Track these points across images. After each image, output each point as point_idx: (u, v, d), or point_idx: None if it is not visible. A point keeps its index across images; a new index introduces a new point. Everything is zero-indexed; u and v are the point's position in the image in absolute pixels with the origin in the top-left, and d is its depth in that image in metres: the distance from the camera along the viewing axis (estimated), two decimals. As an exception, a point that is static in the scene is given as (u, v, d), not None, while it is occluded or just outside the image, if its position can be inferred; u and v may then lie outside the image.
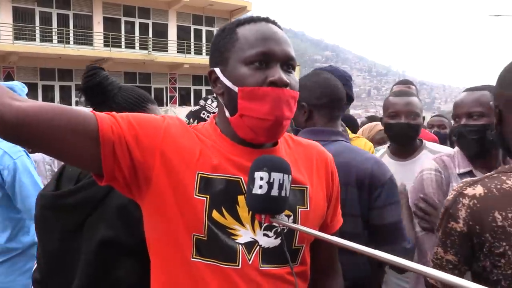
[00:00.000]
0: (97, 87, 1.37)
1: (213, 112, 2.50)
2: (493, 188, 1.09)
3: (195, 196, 0.92)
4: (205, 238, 0.92)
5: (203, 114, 2.45)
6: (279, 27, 0.99)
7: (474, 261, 1.14)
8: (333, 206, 1.10)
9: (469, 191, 1.12)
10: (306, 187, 1.02)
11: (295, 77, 0.98)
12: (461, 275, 1.16)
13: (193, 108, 2.59)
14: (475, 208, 1.09)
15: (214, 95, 1.08)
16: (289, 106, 0.94)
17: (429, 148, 2.11)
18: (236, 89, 0.93)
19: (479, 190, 1.10)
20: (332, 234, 1.09)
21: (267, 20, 0.99)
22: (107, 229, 1.20)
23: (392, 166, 2.06)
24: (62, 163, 1.48)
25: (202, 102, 2.53)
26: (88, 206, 1.26)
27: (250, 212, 0.94)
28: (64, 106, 0.89)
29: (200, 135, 0.99)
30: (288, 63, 0.96)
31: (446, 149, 2.06)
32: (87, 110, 0.91)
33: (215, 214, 0.92)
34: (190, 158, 0.94)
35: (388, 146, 2.23)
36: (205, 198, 0.92)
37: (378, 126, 2.63)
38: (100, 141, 0.87)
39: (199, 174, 0.93)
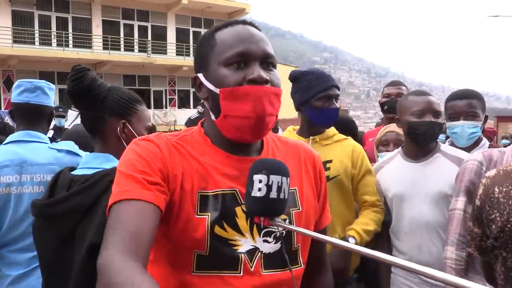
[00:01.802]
0: (86, 91, 1.33)
1: None
2: (500, 170, 1.37)
3: (196, 216, 0.93)
4: (207, 254, 0.92)
5: None
6: (256, 28, 1.01)
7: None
8: (321, 203, 1.13)
9: (488, 173, 1.41)
10: (295, 189, 1.04)
11: (276, 73, 0.98)
12: (486, 249, 1.39)
13: (192, 115, 2.57)
14: (486, 185, 1.36)
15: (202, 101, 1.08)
16: (271, 102, 0.95)
17: (444, 151, 2.05)
18: (217, 91, 0.94)
19: (492, 172, 1.39)
20: (321, 231, 1.12)
21: (244, 22, 1.01)
22: (94, 235, 1.18)
23: (405, 167, 2.06)
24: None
25: (200, 109, 2.51)
26: (77, 214, 1.24)
27: (248, 221, 0.95)
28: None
29: (191, 150, 0.99)
30: (267, 61, 0.97)
31: (462, 153, 2.00)
32: (141, 206, 0.85)
33: (217, 229, 0.93)
34: (191, 177, 0.95)
35: (402, 147, 2.16)
36: (206, 216, 0.93)
37: (389, 127, 2.59)
38: (162, 211, 0.89)
39: (199, 193, 0.94)
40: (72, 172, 1.37)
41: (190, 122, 2.48)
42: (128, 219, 0.82)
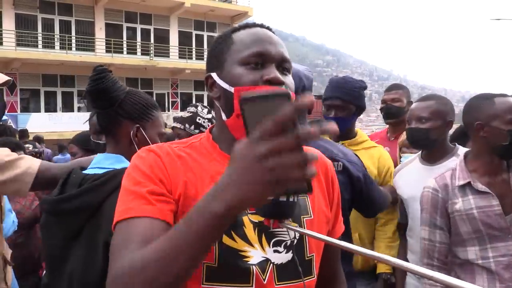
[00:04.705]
0: (104, 92, 1.35)
1: (207, 118, 2.53)
2: None
3: None
4: (216, 265, 0.90)
5: (199, 119, 2.53)
6: (273, 32, 1.01)
7: None
8: (334, 212, 1.10)
9: None
10: (307, 196, 1.02)
11: (291, 78, 0.98)
12: None
13: (184, 114, 2.60)
14: None
15: (204, 103, 1.06)
16: None
17: (460, 154, 2.01)
18: (232, 89, 0.93)
19: None
20: None
21: (261, 25, 1.01)
22: (110, 233, 1.19)
23: (420, 170, 2.12)
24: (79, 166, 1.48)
25: (193, 109, 2.58)
26: (87, 211, 1.25)
27: (256, 231, 0.93)
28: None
29: (199, 157, 0.97)
30: (283, 65, 0.96)
31: None
32: (149, 222, 0.84)
33: (225, 239, 0.91)
34: (195, 185, 0.93)
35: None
36: None
37: None
38: (170, 224, 0.87)
39: None
40: (84, 171, 1.39)
41: (187, 120, 2.53)
42: (134, 238, 0.80)
